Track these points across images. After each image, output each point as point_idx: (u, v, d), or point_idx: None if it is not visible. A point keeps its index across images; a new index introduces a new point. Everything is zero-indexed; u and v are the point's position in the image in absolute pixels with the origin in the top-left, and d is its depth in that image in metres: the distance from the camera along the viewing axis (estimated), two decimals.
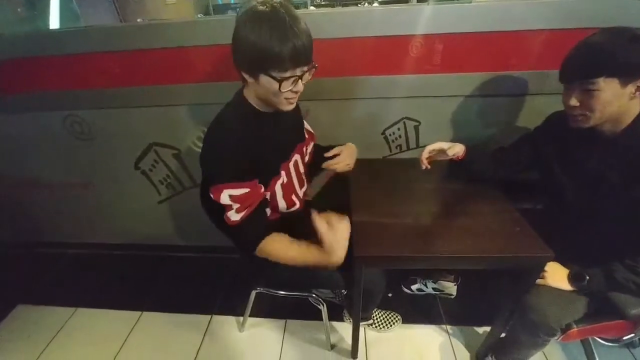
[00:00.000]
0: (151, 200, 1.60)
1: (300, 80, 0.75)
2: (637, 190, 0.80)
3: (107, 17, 3.32)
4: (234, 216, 0.82)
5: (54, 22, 2.51)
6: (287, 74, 0.72)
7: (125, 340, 1.38)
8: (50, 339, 1.39)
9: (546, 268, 0.89)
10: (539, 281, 0.90)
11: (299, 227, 1.06)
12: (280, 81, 0.72)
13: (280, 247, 0.88)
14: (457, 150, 1.05)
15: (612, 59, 0.73)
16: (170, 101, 1.30)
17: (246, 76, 0.76)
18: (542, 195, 1.14)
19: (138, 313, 1.48)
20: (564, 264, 0.92)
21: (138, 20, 1.49)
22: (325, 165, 1.05)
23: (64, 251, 1.84)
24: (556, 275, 0.90)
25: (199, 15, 4.25)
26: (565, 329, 0.91)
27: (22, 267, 1.79)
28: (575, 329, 0.90)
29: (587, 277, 0.86)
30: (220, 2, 5.26)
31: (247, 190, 0.81)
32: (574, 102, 0.80)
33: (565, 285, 0.89)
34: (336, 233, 0.82)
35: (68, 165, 1.52)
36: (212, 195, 0.81)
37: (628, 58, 0.72)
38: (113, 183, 1.56)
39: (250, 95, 0.84)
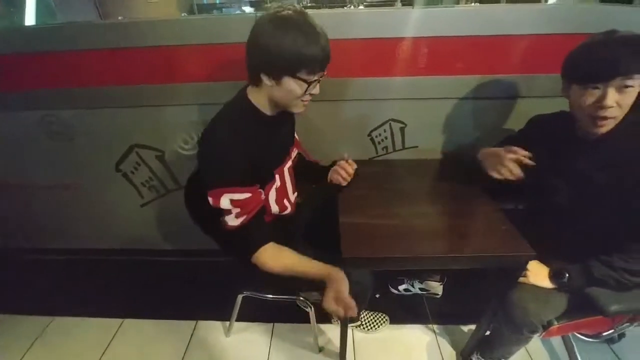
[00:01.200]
0: (133, 203, 1.55)
1: (318, 84, 0.79)
2: (623, 191, 0.81)
3: (86, 15, 3.22)
4: (232, 221, 0.80)
5: (30, 18, 2.40)
6: (314, 77, 0.75)
7: (106, 349, 1.33)
8: (26, 350, 1.33)
9: (528, 267, 0.91)
10: (521, 279, 0.92)
11: (290, 229, 1.06)
12: (309, 83, 0.75)
13: (280, 254, 0.85)
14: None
15: None
16: (152, 102, 1.27)
17: (266, 79, 0.76)
18: (524, 195, 1.17)
19: (120, 320, 1.43)
20: (546, 262, 0.94)
21: (119, 18, 1.44)
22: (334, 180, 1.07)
23: (40, 257, 1.76)
24: (538, 275, 0.92)
25: (183, 15, 4.18)
26: (546, 326, 0.93)
27: None
28: (556, 326, 0.93)
29: (567, 275, 0.88)
30: (205, 2, 5.19)
31: (248, 195, 0.79)
32: (611, 101, 0.75)
33: (547, 284, 0.91)
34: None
35: (46, 167, 1.46)
36: (210, 199, 0.79)
37: None
38: (93, 185, 1.51)
39: (258, 98, 0.82)
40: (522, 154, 0.91)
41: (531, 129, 1.04)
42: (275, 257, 0.85)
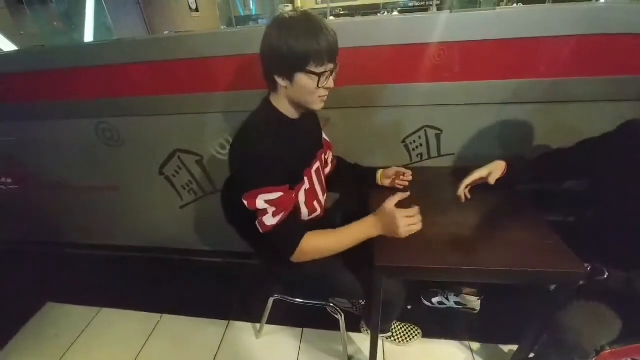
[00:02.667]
0: (173, 205, 1.64)
1: (331, 76, 0.82)
2: None
3: (136, 29, 3.50)
4: (269, 220, 0.83)
5: (89, 35, 2.66)
6: (323, 69, 0.78)
7: (146, 341, 1.41)
8: (75, 338, 1.45)
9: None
10: None
11: None
12: (319, 75, 0.77)
13: (319, 241, 0.88)
14: (497, 174, 0.98)
15: None
16: (194, 109, 1.34)
17: (280, 80, 0.80)
18: (579, 205, 1.07)
19: (158, 315, 1.52)
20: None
21: (165, 32, 1.56)
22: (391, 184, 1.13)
23: (91, 252, 1.91)
24: None
25: (222, 27, 4.40)
26: (599, 351, 0.85)
27: (53, 266, 1.87)
28: (608, 351, 0.84)
29: (607, 274, 0.81)
30: (242, 14, 5.43)
31: (280, 194, 0.82)
32: None
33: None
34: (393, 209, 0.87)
35: (96, 170, 1.60)
36: (245, 202, 0.82)
37: None
38: (138, 187, 1.62)
39: (279, 102, 0.86)
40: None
41: (625, 135, 0.92)
42: (316, 245, 0.87)
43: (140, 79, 1.30)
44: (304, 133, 0.95)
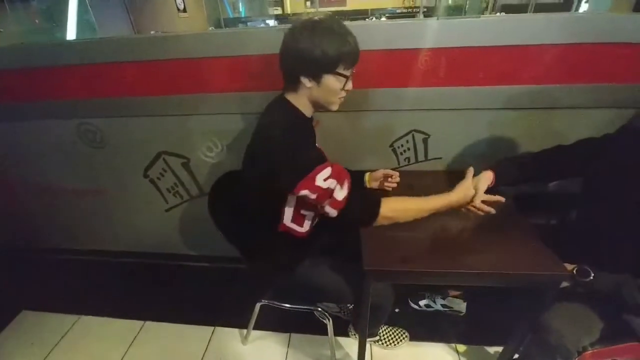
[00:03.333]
0: (158, 208, 1.60)
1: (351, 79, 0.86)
2: None
3: (122, 29, 3.43)
4: (341, 193, 0.83)
5: (71, 33, 2.59)
6: (349, 71, 0.83)
7: (127, 350, 1.36)
8: (52, 346, 1.39)
9: None
10: None
11: (332, 237, 1.07)
12: (347, 77, 0.83)
13: (397, 202, 0.90)
14: (484, 184, 0.98)
15: None
16: (180, 111, 1.32)
17: (306, 81, 0.82)
18: (564, 207, 1.10)
19: (141, 322, 1.47)
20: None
21: (152, 32, 1.53)
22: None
23: (70, 257, 1.84)
24: None
25: (210, 28, 4.36)
26: (581, 351, 0.87)
27: (29, 272, 1.79)
28: (590, 351, 0.86)
29: (593, 275, 0.82)
30: (231, 16, 5.40)
31: (330, 167, 0.83)
32: None
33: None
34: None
35: (78, 172, 1.54)
36: (305, 191, 0.81)
37: None
38: (121, 190, 1.57)
39: (298, 101, 0.88)
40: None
41: (626, 139, 0.94)
42: (395, 206, 0.89)
43: (125, 79, 1.27)
44: (313, 131, 0.98)
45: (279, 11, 6.19)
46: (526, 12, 3.44)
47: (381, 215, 0.88)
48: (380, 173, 1.14)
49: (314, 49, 0.77)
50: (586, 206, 0.96)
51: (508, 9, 3.86)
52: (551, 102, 1.15)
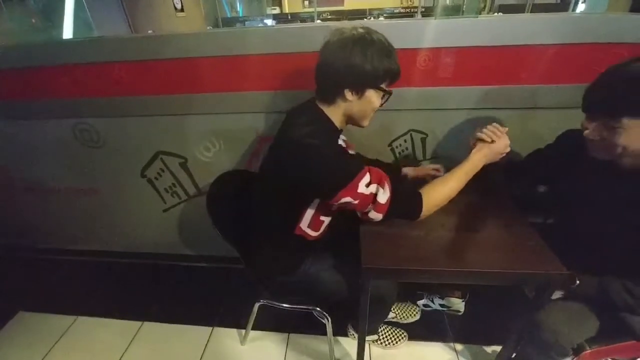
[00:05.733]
0: (156, 208, 1.60)
1: None
2: None
3: (119, 29, 3.42)
4: (384, 196, 0.83)
5: (67, 32, 2.58)
6: (390, 88, 0.86)
7: (125, 350, 1.35)
8: (49, 347, 1.38)
9: None
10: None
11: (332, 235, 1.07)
12: (389, 93, 0.86)
13: (435, 189, 0.91)
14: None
15: (637, 101, 0.70)
16: (178, 110, 1.31)
17: (349, 95, 0.83)
18: (551, 209, 1.12)
19: (139, 323, 1.46)
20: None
21: (149, 31, 1.52)
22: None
23: (67, 258, 1.83)
24: None
25: (208, 28, 4.35)
26: (577, 350, 0.88)
27: (25, 273, 1.78)
28: (588, 351, 0.87)
29: (578, 282, 0.84)
30: (229, 16, 5.39)
31: (368, 172, 0.83)
32: (593, 135, 0.77)
33: None
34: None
35: (75, 172, 1.54)
36: (348, 199, 0.81)
37: None
38: (119, 190, 1.57)
39: (334, 113, 0.89)
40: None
41: (561, 145, 1.00)
42: (435, 198, 0.91)
43: (122, 78, 1.27)
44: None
45: (276, 10, 6.18)
46: (523, 12, 3.45)
47: (424, 212, 0.89)
48: (425, 172, 1.16)
49: (365, 63, 0.78)
50: (559, 211, 0.97)
51: (505, 9, 3.88)
52: (549, 102, 1.15)
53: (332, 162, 0.81)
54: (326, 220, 0.97)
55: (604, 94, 0.75)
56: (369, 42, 0.79)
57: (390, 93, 0.86)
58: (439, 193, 0.92)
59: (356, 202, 0.82)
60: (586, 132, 0.79)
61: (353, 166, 0.83)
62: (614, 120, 0.72)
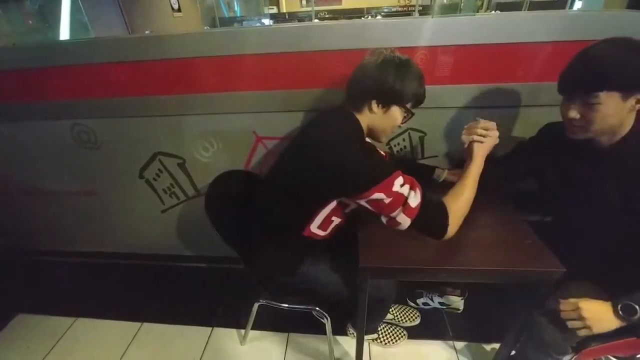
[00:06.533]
0: (155, 209, 1.59)
1: None
2: (635, 200, 0.79)
3: (116, 29, 3.40)
4: (415, 200, 0.81)
5: (64, 33, 2.57)
6: (413, 109, 0.93)
7: (125, 351, 1.35)
8: (49, 349, 1.38)
9: (581, 307, 0.79)
10: (581, 331, 0.80)
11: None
12: (411, 114, 0.93)
13: (455, 203, 0.86)
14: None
15: (614, 73, 0.71)
16: (176, 111, 1.31)
17: (375, 107, 0.90)
18: (543, 206, 1.12)
19: (138, 324, 1.46)
20: (579, 284, 0.89)
21: (146, 32, 1.52)
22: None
23: (65, 259, 1.83)
24: (602, 316, 0.79)
25: (205, 28, 4.34)
26: (577, 348, 0.88)
27: (24, 275, 1.78)
28: (589, 348, 0.87)
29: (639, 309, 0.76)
30: (226, 15, 5.38)
31: (401, 175, 0.82)
32: (573, 114, 0.78)
33: (616, 324, 0.78)
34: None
35: (73, 173, 1.53)
36: (381, 195, 0.79)
37: (629, 71, 0.71)
38: (117, 192, 1.56)
39: (364, 123, 0.93)
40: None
41: (541, 138, 1.01)
42: (457, 208, 0.86)
43: (120, 79, 1.26)
44: None
45: (274, 10, 6.17)
46: (521, 10, 3.45)
47: (451, 227, 0.84)
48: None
49: (396, 82, 0.86)
50: (559, 195, 0.98)
51: (503, 7, 3.88)
52: (547, 99, 1.15)
53: (369, 158, 0.83)
54: (336, 220, 0.97)
55: (579, 73, 0.77)
56: (405, 64, 0.87)
57: (413, 114, 0.93)
58: (460, 206, 0.87)
59: (389, 200, 0.79)
60: (569, 114, 0.79)
61: (387, 165, 0.83)
62: (591, 96, 0.74)
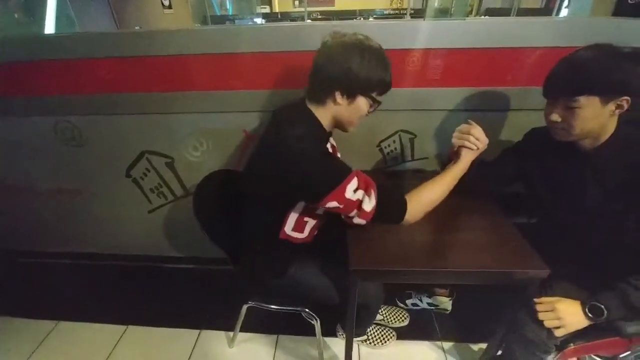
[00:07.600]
0: (141, 209, 1.56)
1: None
2: (617, 203, 0.81)
3: (104, 25, 3.34)
4: (369, 204, 0.83)
5: (49, 27, 2.50)
6: (380, 98, 0.88)
7: (109, 355, 1.32)
8: (30, 353, 1.33)
9: (558, 313, 0.83)
10: (558, 332, 0.83)
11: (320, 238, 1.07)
12: (377, 103, 0.88)
13: (420, 194, 0.90)
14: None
15: (594, 78, 0.74)
16: (164, 109, 1.28)
17: (339, 98, 0.84)
18: (531, 208, 1.14)
19: (123, 327, 1.43)
20: (561, 284, 0.91)
21: (136, 27, 1.49)
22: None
23: (48, 261, 1.77)
24: (573, 315, 0.83)
25: (196, 25, 4.29)
26: (561, 347, 0.90)
27: (4, 276, 1.72)
28: (572, 347, 0.89)
29: (605, 311, 0.80)
30: (218, 13, 5.33)
31: (356, 177, 0.82)
32: (555, 117, 0.81)
33: (586, 324, 0.83)
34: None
35: (56, 172, 1.49)
36: (334, 203, 0.80)
37: (609, 77, 0.73)
38: (103, 191, 1.53)
39: (323, 115, 0.89)
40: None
41: (528, 142, 1.03)
42: (418, 203, 0.89)
43: (106, 75, 1.23)
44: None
45: (266, 9, 6.14)
46: (509, 15, 3.52)
47: (408, 219, 0.88)
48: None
49: (361, 70, 0.80)
50: (546, 198, 1.00)
51: (492, 12, 3.95)
52: (535, 103, 1.17)
53: (320, 165, 0.81)
54: (310, 221, 0.97)
55: (561, 77, 0.79)
56: (368, 49, 0.81)
57: (379, 103, 0.88)
58: (425, 200, 0.91)
59: (341, 206, 0.81)
60: (551, 117, 0.82)
61: (341, 170, 0.82)
62: (572, 100, 0.76)
